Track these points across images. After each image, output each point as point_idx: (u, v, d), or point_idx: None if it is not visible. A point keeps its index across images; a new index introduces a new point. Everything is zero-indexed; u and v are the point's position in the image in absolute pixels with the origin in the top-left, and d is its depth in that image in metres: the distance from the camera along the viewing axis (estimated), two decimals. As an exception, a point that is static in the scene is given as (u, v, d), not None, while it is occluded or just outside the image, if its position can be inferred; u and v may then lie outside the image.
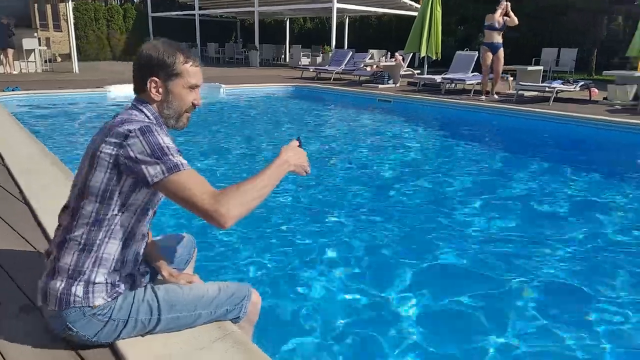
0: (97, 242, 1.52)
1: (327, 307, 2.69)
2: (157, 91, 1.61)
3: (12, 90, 9.58)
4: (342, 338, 2.39)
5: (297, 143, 1.66)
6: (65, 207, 1.62)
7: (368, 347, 2.36)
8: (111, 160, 1.47)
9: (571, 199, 4.60)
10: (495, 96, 10.01)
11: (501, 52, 9.75)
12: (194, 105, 1.67)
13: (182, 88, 1.63)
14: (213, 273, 2.95)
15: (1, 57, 13.74)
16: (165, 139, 1.49)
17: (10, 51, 13.60)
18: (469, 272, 3.11)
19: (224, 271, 3.03)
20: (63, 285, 1.51)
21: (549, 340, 2.41)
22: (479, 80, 11.07)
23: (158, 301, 1.61)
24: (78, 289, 1.50)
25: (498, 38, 9.76)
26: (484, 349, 2.33)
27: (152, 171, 1.44)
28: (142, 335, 1.63)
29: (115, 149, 1.47)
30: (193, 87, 1.65)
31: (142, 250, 1.69)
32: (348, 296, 2.78)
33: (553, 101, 9.22)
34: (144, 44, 1.63)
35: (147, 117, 1.60)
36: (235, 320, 1.79)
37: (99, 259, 1.52)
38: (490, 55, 9.72)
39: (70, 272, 1.51)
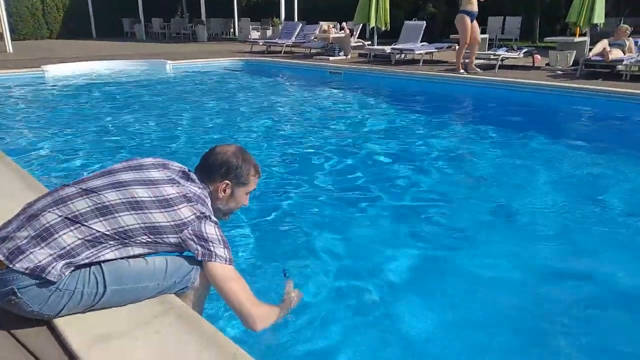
0: (106, 247, 1.60)
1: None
2: (224, 191, 1.88)
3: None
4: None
5: (291, 284, 2.07)
6: (92, 191, 1.64)
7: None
8: (181, 221, 1.67)
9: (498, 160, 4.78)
10: (479, 70, 9.25)
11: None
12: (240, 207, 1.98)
13: (244, 194, 1.95)
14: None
15: None
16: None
17: None
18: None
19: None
20: (47, 258, 1.51)
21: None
22: (429, 50, 11.20)
23: (103, 272, 1.61)
24: (58, 267, 1.51)
25: (476, 6, 9.04)
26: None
27: (219, 252, 1.70)
28: (83, 312, 1.60)
29: (192, 217, 1.69)
30: (249, 193, 1.96)
31: None
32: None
33: (498, 68, 9.45)
34: (224, 146, 1.92)
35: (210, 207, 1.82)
36: (181, 292, 1.78)
37: (95, 257, 1.58)
38: (469, 24, 8.94)
39: (63, 251, 1.53)
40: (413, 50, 11.00)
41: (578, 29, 9.95)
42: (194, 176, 1.84)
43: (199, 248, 1.69)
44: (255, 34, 19.67)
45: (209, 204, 1.82)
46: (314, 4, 23.05)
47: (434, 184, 4.15)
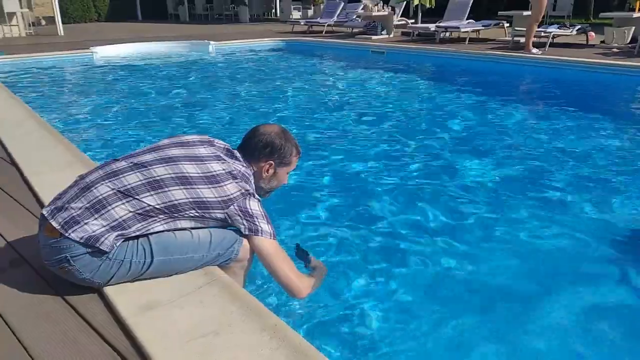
0: (156, 220, 1.65)
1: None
2: (267, 171, 1.92)
3: (-3, 54, 9.38)
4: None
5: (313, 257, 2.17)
6: (142, 165, 1.68)
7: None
8: (227, 197, 1.72)
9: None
10: (536, 50, 8.60)
11: None
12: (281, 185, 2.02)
13: (285, 173, 1.99)
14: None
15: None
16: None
17: (-9, 14, 13.22)
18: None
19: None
20: (101, 229, 1.57)
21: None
22: (475, 28, 10.82)
23: (150, 244, 1.66)
24: (111, 238, 1.58)
25: None
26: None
27: (265, 227, 1.77)
28: (132, 282, 1.65)
29: (237, 193, 1.74)
30: (289, 172, 2.00)
31: None
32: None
33: (549, 46, 9.04)
34: (268, 127, 1.95)
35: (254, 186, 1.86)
36: (225, 263, 1.81)
37: (143, 228, 1.63)
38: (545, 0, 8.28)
39: (115, 223, 1.59)
40: (459, 27, 10.66)
41: (638, 3, 9.36)
42: (237, 154, 1.87)
43: (245, 223, 1.74)
44: (296, 14, 19.55)
45: (252, 181, 1.85)
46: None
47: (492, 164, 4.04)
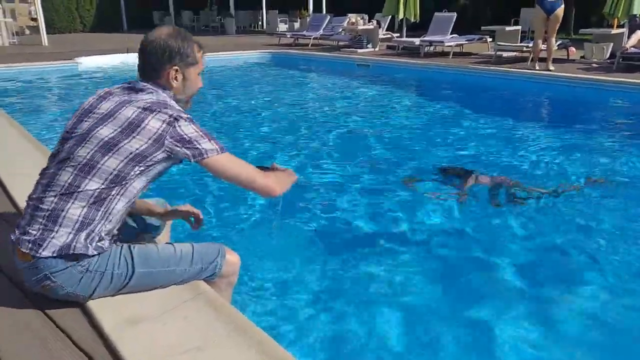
0: (110, 197, 1.58)
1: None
2: (176, 78, 1.75)
3: (-22, 64, 9.24)
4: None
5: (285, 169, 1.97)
6: (66, 160, 1.59)
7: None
8: (156, 134, 1.60)
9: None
10: (552, 68, 8.26)
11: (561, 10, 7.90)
12: (198, 90, 1.87)
13: (195, 75, 1.82)
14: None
15: (-35, 31, 13.19)
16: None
17: (-26, 24, 13.05)
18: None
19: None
20: (68, 237, 1.53)
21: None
22: (459, 42, 10.99)
23: (132, 255, 1.65)
24: (81, 239, 1.54)
25: None
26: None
27: (208, 146, 1.65)
28: (113, 295, 1.63)
29: (163, 126, 1.61)
30: (200, 73, 1.84)
31: None
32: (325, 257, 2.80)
33: (530, 60, 9.20)
34: (155, 31, 1.75)
35: (174, 103, 1.73)
36: (211, 278, 1.79)
37: (107, 213, 1.59)
38: (543, 15, 7.94)
39: (78, 224, 1.55)
40: (443, 42, 10.81)
41: (616, 20, 9.59)
42: (140, 85, 1.72)
43: (187, 152, 1.63)
44: (283, 27, 19.64)
45: (171, 101, 1.72)
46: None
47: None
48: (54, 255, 1.52)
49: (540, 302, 2.40)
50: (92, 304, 1.61)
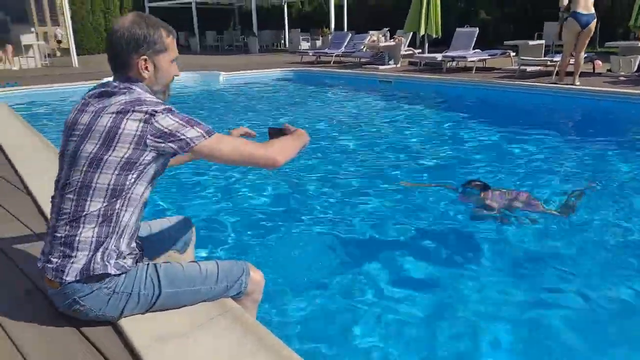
0: (116, 212, 1.56)
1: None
2: (146, 68, 1.63)
3: (12, 85, 9.60)
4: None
5: (293, 128, 1.89)
6: (65, 187, 1.58)
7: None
8: (136, 137, 1.52)
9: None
10: (578, 83, 8.04)
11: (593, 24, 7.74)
12: (173, 78, 1.74)
13: (168, 62, 1.68)
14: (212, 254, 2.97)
15: (0, 54, 13.72)
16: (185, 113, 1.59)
17: (9, 47, 13.58)
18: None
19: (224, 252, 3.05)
20: (86, 259, 1.54)
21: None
22: (482, 57, 10.94)
23: (159, 276, 1.65)
24: (97, 259, 1.54)
25: (586, 7, 7.57)
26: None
27: (193, 134, 1.55)
28: (143, 313, 1.65)
29: (140, 125, 1.52)
30: (174, 60, 1.71)
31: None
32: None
33: (555, 75, 9.10)
34: (119, 20, 1.62)
35: (149, 95, 1.63)
36: (237, 296, 1.80)
37: (118, 228, 1.57)
38: (577, 28, 7.72)
39: (93, 245, 1.55)
40: (465, 57, 10.79)
41: (642, 33, 9.44)
42: (112, 85, 1.63)
43: (172, 145, 1.55)
44: (305, 45, 19.92)
45: (145, 95, 1.61)
46: (362, 13, 23.10)
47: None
48: (78, 279, 1.53)
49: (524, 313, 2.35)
50: (122, 321, 1.63)
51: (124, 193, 1.56)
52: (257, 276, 1.85)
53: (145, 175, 1.59)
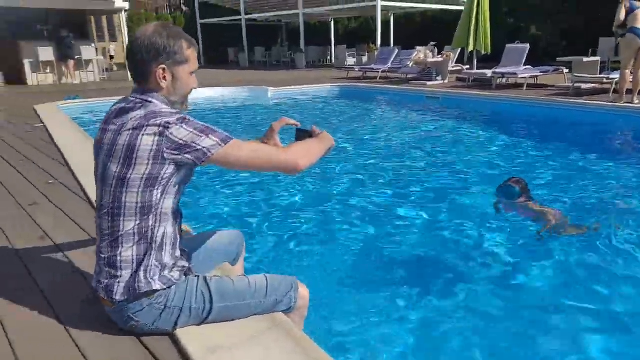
0: (150, 228, 1.57)
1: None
2: (164, 78, 1.61)
3: (73, 98, 10.13)
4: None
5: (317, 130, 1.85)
6: (101, 208, 1.62)
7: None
8: (152, 151, 1.50)
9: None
10: (637, 101, 7.69)
11: None
12: (191, 90, 1.72)
13: (187, 74, 1.66)
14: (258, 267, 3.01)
15: (63, 68, 14.53)
16: (200, 122, 1.56)
17: (71, 62, 14.38)
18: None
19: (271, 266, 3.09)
20: (129, 275, 1.58)
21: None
22: (533, 74, 10.68)
23: (210, 290, 1.67)
24: (141, 277, 1.57)
25: None
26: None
27: (208, 143, 1.52)
28: (198, 325, 1.69)
29: (156, 139, 1.50)
30: (193, 72, 1.69)
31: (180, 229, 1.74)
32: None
33: (613, 92, 8.76)
34: (142, 29, 1.61)
35: (165, 106, 1.61)
36: (287, 312, 1.82)
37: (154, 244, 1.59)
38: (638, 44, 7.37)
39: (134, 264, 1.58)
40: (516, 73, 10.56)
41: None
42: (130, 100, 1.63)
43: (189, 157, 1.52)
44: (351, 61, 20.07)
45: (161, 107, 1.59)
46: (409, 29, 23.08)
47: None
48: (126, 297, 1.58)
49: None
50: (178, 331, 1.67)
51: (153, 209, 1.56)
52: (304, 291, 1.87)
53: (170, 189, 1.58)
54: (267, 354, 1.58)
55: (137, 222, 1.56)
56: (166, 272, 1.62)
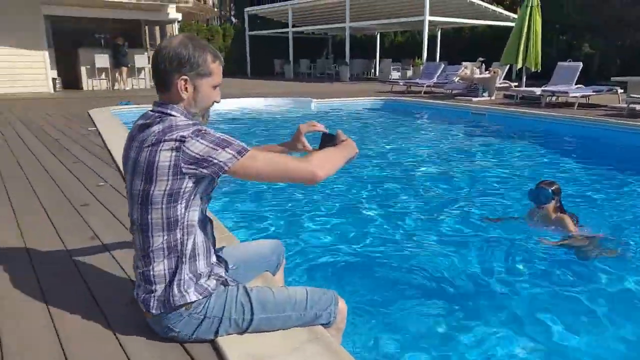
0: (179, 242, 1.59)
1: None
2: (186, 89, 1.60)
3: (126, 104, 10.53)
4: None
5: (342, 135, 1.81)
6: (132, 223, 1.65)
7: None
8: (171, 167, 1.50)
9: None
10: None
11: None
12: (213, 103, 1.70)
13: (210, 87, 1.65)
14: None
15: (116, 75, 15.15)
16: (217, 132, 1.55)
17: (124, 69, 14.99)
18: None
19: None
20: (163, 289, 1.61)
21: None
22: (585, 93, 10.33)
23: (251, 301, 1.67)
24: (175, 291, 1.59)
25: None
26: None
27: (225, 156, 1.50)
28: (240, 334, 1.70)
29: (173, 154, 1.49)
30: (216, 86, 1.68)
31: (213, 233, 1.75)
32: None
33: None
34: (168, 39, 1.61)
35: (184, 118, 1.60)
36: (326, 326, 1.81)
37: (184, 257, 1.60)
38: None
39: (167, 278, 1.61)
40: (567, 92, 10.24)
41: None
42: (149, 115, 1.63)
43: (205, 171, 1.51)
44: (395, 74, 20.01)
45: (177, 120, 1.56)
46: (456, 45, 22.80)
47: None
48: (162, 310, 1.61)
49: None
50: (220, 339, 1.69)
51: (179, 224, 1.57)
52: (342, 305, 1.85)
53: (193, 201, 1.58)
54: (308, 367, 1.57)
55: (165, 237, 1.58)
56: (202, 281, 1.63)
